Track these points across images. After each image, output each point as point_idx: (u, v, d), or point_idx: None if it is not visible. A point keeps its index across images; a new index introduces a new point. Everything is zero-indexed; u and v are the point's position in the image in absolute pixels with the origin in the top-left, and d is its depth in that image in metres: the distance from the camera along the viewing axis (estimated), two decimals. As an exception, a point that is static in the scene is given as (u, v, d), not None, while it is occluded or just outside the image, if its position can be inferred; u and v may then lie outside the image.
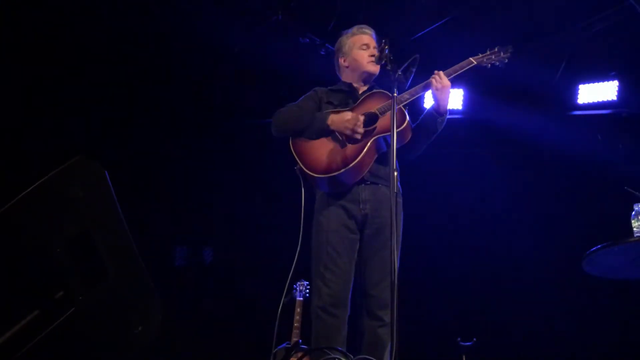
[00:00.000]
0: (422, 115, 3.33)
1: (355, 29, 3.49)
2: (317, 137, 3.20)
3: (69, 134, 4.96)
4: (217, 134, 6.11)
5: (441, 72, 3.20)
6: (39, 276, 1.74)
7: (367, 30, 3.47)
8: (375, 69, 3.34)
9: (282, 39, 5.35)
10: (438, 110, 3.22)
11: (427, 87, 3.26)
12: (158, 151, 5.78)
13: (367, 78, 3.42)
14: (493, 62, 3.28)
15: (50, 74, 4.93)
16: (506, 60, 3.29)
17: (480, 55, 3.30)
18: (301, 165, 3.16)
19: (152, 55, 5.32)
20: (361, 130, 3.13)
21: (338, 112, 3.23)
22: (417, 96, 3.24)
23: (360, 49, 3.40)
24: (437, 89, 3.18)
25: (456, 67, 3.26)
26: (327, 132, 3.19)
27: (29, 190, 1.66)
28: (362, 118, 3.14)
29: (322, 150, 3.17)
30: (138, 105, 5.57)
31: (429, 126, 3.27)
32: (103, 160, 1.86)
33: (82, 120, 5.14)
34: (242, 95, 5.89)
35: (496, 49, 3.29)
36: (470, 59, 3.28)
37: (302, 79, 3.65)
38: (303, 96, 3.41)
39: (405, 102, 3.20)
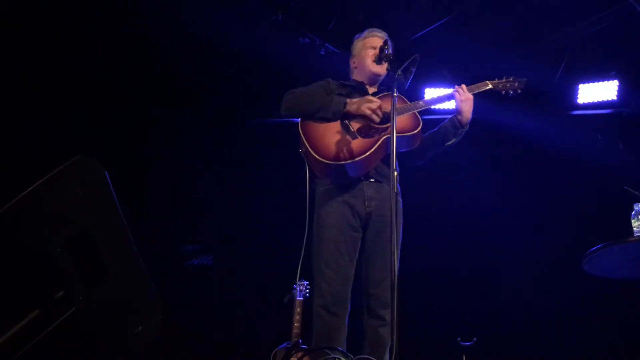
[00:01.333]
0: (439, 124, 3.39)
1: (367, 32, 3.56)
2: (329, 121, 3.20)
3: (69, 133, 4.96)
4: (216, 134, 6.11)
5: (464, 86, 3.30)
6: (39, 276, 1.74)
7: (377, 33, 3.51)
8: (378, 69, 3.37)
9: (282, 39, 5.35)
10: (461, 122, 3.29)
11: (443, 99, 3.44)
12: (156, 151, 5.78)
13: (372, 78, 3.47)
14: (507, 90, 3.41)
15: (51, 73, 4.93)
16: (519, 91, 3.42)
17: (497, 81, 3.42)
18: (309, 149, 3.14)
19: (152, 55, 5.31)
20: (380, 114, 3.14)
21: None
22: (431, 105, 3.38)
23: (367, 50, 3.46)
24: (461, 101, 3.27)
25: (473, 87, 3.35)
26: (340, 115, 3.19)
27: (29, 190, 1.66)
28: (379, 102, 3.17)
29: (332, 137, 3.17)
30: (137, 105, 5.56)
31: (447, 135, 3.34)
32: (102, 161, 1.85)
33: (82, 120, 5.14)
34: (242, 95, 5.89)
35: (511, 79, 3.42)
36: (487, 82, 3.40)
37: (302, 78, 3.65)
38: (315, 83, 3.43)
39: (419, 109, 3.27)
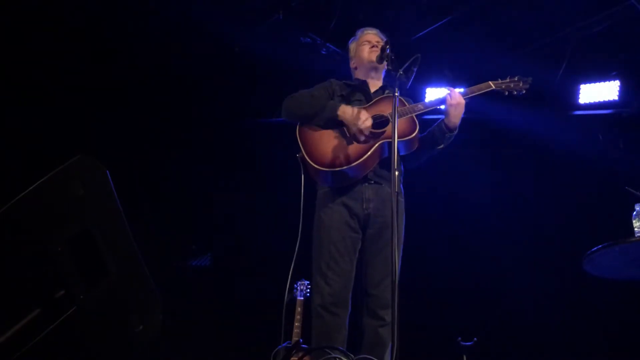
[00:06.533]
0: (430, 128, 3.36)
1: (359, 32, 3.59)
2: (325, 126, 3.21)
3: (71, 133, 4.96)
4: (216, 134, 6.11)
5: (455, 90, 3.23)
6: (40, 275, 1.73)
7: (369, 31, 3.55)
8: (375, 57, 3.37)
9: (283, 38, 5.35)
10: (448, 126, 3.24)
11: (442, 102, 3.30)
12: (156, 151, 5.78)
13: (372, 69, 3.46)
14: (511, 90, 3.30)
15: (52, 73, 4.92)
16: (523, 91, 3.31)
17: (500, 81, 3.32)
18: (304, 155, 3.16)
19: (153, 55, 5.31)
20: (367, 132, 3.13)
21: (349, 105, 3.23)
22: (431, 108, 3.28)
23: (363, 45, 3.50)
24: (451, 105, 3.21)
25: (474, 88, 3.29)
26: (334, 122, 3.19)
27: (29, 189, 1.66)
28: (370, 123, 3.15)
29: (327, 142, 3.17)
30: (136, 105, 5.56)
31: (436, 139, 3.30)
32: (103, 160, 1.85)
33: (82, 121, 5.14)
34: (243, 95, 5.88)
35: (516, 78, 3.32)
36: (490, 82, 3.30)
37: (303, 78, 3.66)
38: (318, 85, 3.44)
39: (418, 112, 3.23)
